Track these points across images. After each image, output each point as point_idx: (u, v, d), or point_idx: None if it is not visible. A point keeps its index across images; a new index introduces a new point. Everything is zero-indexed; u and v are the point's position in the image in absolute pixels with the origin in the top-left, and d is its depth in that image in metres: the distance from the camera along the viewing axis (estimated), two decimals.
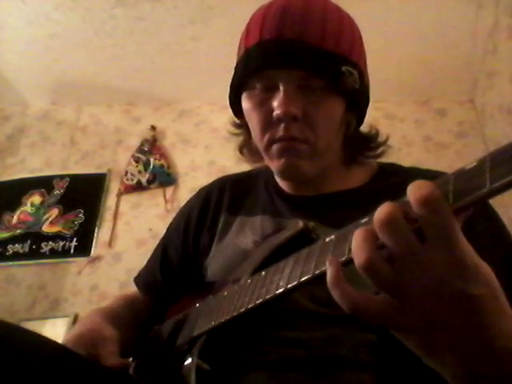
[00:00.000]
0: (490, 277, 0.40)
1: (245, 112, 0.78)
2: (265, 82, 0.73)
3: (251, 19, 0.78)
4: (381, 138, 0.85)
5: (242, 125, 0.85)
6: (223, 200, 0.91)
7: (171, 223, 1.01)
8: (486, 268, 0.40)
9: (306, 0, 0.74)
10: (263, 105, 0.73)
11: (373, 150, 0.84)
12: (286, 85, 0.71)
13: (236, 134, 0.89)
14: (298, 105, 0.70)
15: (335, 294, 0.42)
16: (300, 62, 0.70)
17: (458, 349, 0.40)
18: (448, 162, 2.50)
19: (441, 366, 0.43)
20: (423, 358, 0.43)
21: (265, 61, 0.71)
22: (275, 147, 0.74)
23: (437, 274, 0.39)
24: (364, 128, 0.85)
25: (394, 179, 0.78)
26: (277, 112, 0.70)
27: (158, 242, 1.02)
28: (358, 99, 0.76)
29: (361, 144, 0.83)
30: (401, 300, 0.40)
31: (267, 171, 0.87)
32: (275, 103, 0.71)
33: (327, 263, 0.44)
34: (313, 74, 0.71)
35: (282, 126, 0.72)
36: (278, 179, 0.87)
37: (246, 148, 0.88)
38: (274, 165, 0.76)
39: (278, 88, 0.71)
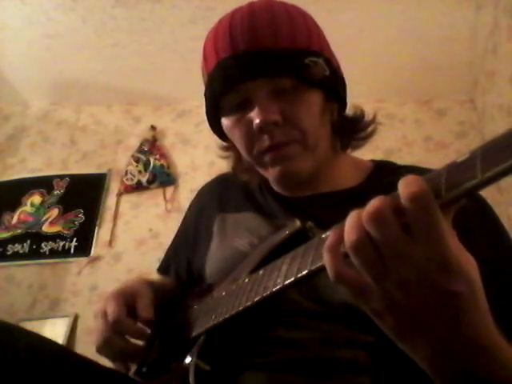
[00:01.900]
0: (471, 274, 0.41)
1: (227, 133, 0.79)
2: (236, 99, 0.73)
3: (205, 45, 0.78)
4: (367, 118, 0.85)
5: (230, 146, 0.86)
6: (219, 199, 0.92)
7: (181, 222, 1.03)
8: (469, 265, 0.41)
9: (250, 8, 0.74)
10: (241, 120, 0.74)
11: (362, 131, 0.84)
12: (257, 94, 0.71)
13: (227, 157, 0.90)
14: (275, 110, 0.71)
15: (327, 258, 0.44)
16: (260, 70, 0.70)
17: (429, 338, 0.42)
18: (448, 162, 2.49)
19: (411, 350, 0.45)
20: (395, 341, 0.45)
21: (226, 80, 0.72)
22: (267, 157, 0.74)
23: (418, 269, 0.40)
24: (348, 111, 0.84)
25: (389, 178, 0.78)
26: (256, 123, 0.71)
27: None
28: (332, 85, 0.76)
29: (349, 127, 0.83)
30: (380, 285, 0.42)
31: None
32: (252, 115, 0.72)
33: (330, 232, 0.45)
34: (277, 75, 0.71)
35: (266, 135, 0.72)
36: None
37: (239, 167, 0.88)
38: (270, 174, 0.77)
39: (251, 100, 0.72)
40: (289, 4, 0.77)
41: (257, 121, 0.70)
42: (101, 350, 0.72)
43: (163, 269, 0.98)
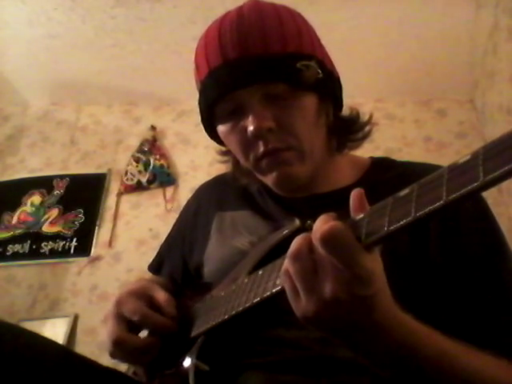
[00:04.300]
0: (376, 276, 0.45)
1: (223, 140, 0.79)
2: (229, 106, 0.73)
3: (196, 53, 0.78)
4: (363, 118, 0.84)
5: (228, 151, 0.86)
6: (217, 198, 0.92)
7: (176, 220, 1.02)
8: (375, 269, 0.45)
9: (239, 13, 0.74)
10: (236, 127, 0.74)
11: (358, 132, 0.83)
12: (250, 102, 0.71)
13: (225, 162, 0.90)
14: (268, 116, 0.71)
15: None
16: (251, 77, 0.70)
17: (354, 334, 0.48)
18: (448, 163, 2.48)
19: (335, 338, 0.50)
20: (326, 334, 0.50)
21: (219, 89, 0.72)
22: (264, 163, 0.74)
23: (341, 283, 0.44)
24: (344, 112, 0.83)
25: (386, 175, 0.78)
26: (250, 130, 0.71)
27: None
28: (326, 87, 0.76)
29: (345, 128, 0.82)
30: (306, 295, 0.46)
31: None
32: (246, 122, 0.71)
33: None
34: (269, 82, 0.71)
35: (261, 141, 0.72)
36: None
37: (238, 170, 0.87)
38: (268, 179, 0.77)
39: (244, 107, 0.72)
40: (278, 5, 0.77)
41: (251, 128, 0.70)
42: (114, 352, 0.71)
43: (155, 267, 0.98)
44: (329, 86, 0.77)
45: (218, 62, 0.72)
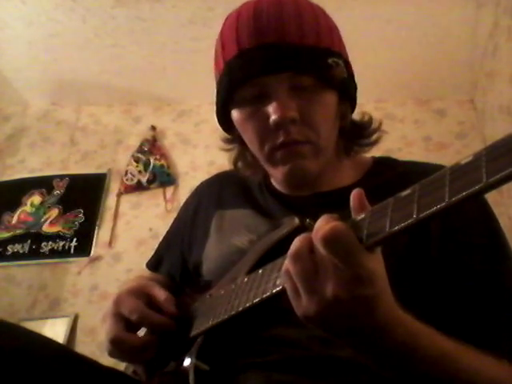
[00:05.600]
0: (377, 277, 0.45)
1: (237, 126, 0.77)
2: (253, 91, 0.71)
3: (223, 32, 0.76)
4: (374, 125, 0.84)
5: (234, 139, 0.84)
6: (217, 195, 0.92)
7: (175, 218, 1.02)
8: (376, 270, 0.45)
9: None
10: (256, 114, 0.72)
11: (367, 138, 0.83)
12: (277, 89, 0.70)
13: (228, 150, 0.88)
14: (293, 107, 0.69)
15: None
16: (285, 64, 0.69)
17: (354, 333, 0.48)
18: (448, 163, 2.46)
19: (336, 337, 0.50)
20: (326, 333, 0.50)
21: (249, 71, 0.70)
22: (279, 154, 0.73)
23: (342, 283, 0.44)
24: (355, 115, 0.83)
25: (388, 174, 0.78)
26: (273, 118, 0.69)
27: (157, 242, 1.02)
28: (348, 88, 0.76)
29: (356, 133, 0.82)
30: (307, 295, 0.46)
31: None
32: (270, 110, 0.70)
33: None
34: (300, 72, 0.70)
35: (282, 131, 0.71)
36: (274, 182, 0.86)
37: (241, 161, 0.86)
38: (279, 171, 0.75)
39: (269, 94, 0.70)
40: (312, 2, 0.76)
41: (275, 116, 0.69)
42: (112, 351, 0.70)
43: (153, 264, 0.97)
44: (350, 87, 0.77)
45: (250, 44, 0.70)
